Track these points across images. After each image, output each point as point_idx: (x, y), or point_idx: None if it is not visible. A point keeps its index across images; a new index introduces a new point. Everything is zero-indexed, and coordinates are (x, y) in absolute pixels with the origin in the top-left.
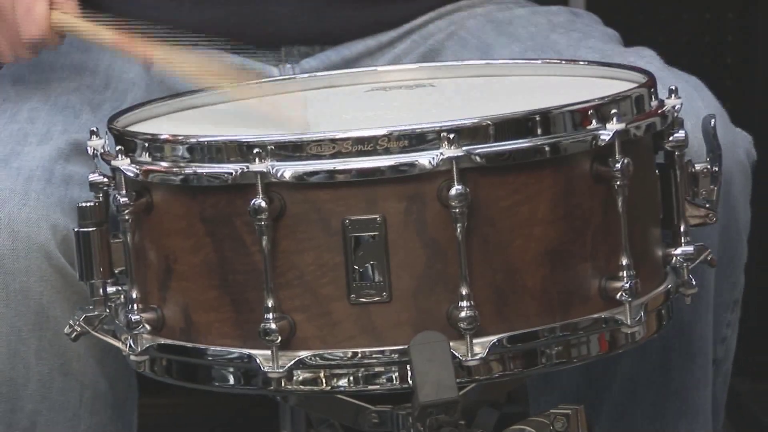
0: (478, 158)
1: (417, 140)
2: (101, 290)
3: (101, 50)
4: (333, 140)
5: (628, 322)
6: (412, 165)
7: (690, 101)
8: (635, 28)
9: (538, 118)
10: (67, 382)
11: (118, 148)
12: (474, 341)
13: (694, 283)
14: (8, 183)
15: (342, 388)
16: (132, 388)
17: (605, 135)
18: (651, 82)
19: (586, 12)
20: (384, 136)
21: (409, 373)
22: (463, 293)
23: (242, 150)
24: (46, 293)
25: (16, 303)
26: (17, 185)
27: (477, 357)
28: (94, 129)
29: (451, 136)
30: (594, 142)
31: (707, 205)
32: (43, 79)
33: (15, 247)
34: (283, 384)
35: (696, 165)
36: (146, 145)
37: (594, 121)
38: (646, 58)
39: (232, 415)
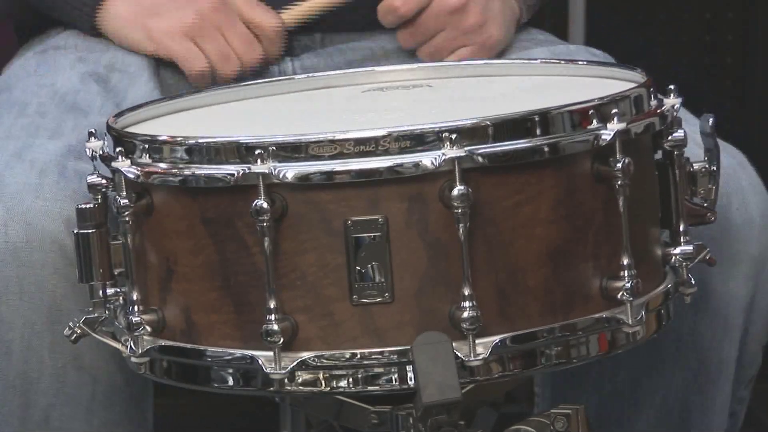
0: (480, 158)
1: (418, 141)
2: (101, 292)
3: (104, 45)
4: (333, 141)
5: (629, 321)
6: (415, 165)
7: None
8: (635, 28)
9: (537, 119)
10: (80, 377)
11: (117, 149)
12: (476, 341)
13: (693, 282)
14: (22, 176)
15: (342, 389)
16: (148, 384)
17: (606, 135)
18: (650, 82)
19: (604, 54)
20: (385, 136)
21: (410, 374)
22: (466, 293)
23: (242, 151)
24: (60, 286)
25: (30, 296)
26: (31, 178)
27: (480, 357)
28: (93, 130)
29: (453, 136)
30: (595, 141)
31: (705, 204)
32: (49, 73)
33: (29, 239)
34: (283, 385)
35: (694, 164)
36: (145, 146)
37: (594, 121)
38: None
39: (232, 416)
